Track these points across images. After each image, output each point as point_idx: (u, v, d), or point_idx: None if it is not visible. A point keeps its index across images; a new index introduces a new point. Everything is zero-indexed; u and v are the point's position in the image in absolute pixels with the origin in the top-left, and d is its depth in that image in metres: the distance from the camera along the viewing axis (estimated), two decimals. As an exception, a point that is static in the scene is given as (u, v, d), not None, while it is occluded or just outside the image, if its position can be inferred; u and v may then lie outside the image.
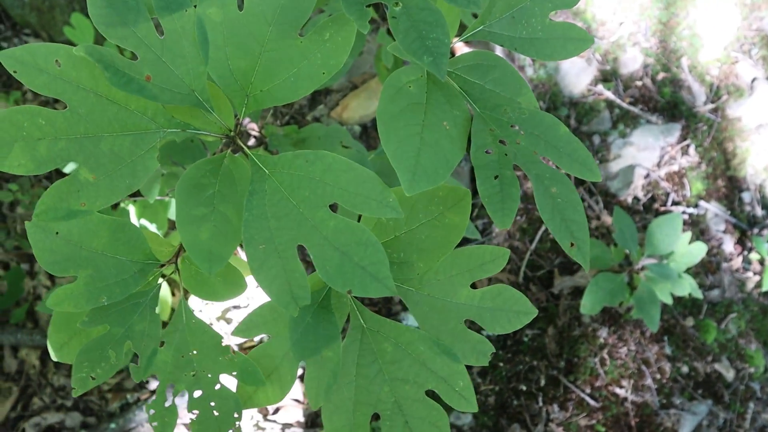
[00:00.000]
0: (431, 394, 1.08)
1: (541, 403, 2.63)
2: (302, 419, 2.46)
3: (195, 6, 1.00)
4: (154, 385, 2.43)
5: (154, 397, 1.03)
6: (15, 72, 0.94)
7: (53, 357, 1.09)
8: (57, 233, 0.96)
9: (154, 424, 1.01)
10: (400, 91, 1.03)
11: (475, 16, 2.73)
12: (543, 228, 2.80)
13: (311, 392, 1.02)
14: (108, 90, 0.97)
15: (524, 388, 2.65)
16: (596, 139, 2.90)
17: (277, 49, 1.01)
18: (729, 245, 2.84)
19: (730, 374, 2.73)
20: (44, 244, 0.95)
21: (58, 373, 2.43)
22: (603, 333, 2.69)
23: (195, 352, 1.03)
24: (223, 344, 1.02)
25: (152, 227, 2.19)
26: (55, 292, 0.95)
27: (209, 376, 1.02)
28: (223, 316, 2.53)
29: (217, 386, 1.02)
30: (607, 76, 2.98)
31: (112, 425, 2.34)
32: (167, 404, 1.02)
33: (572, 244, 1.02)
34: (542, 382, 2.65)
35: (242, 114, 1.06)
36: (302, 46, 1.01)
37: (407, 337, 1.07)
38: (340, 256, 0.94)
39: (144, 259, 1.01)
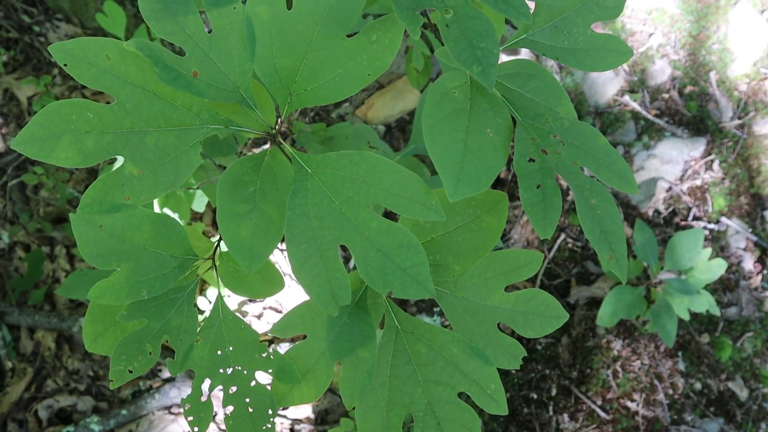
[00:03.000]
0: (463, 396, 1.08)
1: (551, 413, 2.63)
2: (312, 416, 2.46)
3: (243, 2, 1.01)
4: (166, 373, 2.44)
5: (189, 392, 1.04)
6: (65, 65, 0.94)
7: (87, 348, 1.10)
8: (101, 226, 0.97)
9: (190, 418, 1.02)
10: (445, 97, 1.03)
11: (513, 26, 2.72)
12: (561, 237, 2.79)
13: (346, 392, 1.02)
14: (155, 85, 0.98)
15: (535, 396, 2.64)
16: (620, 150, 2.89)
17: (323, 48, 1.01)
18: (749, 263, 2.82)
19: (743, 393, 2.72)
20: (88, 237, 0.96)
21: (72, 356, 2.45)
22: (617, 345, 2.69)
23: (231, 348, 1.04)
24: (259, 343, 1.02)
25: (175, 216, 2.20)
26: (96, 285, 0.96)
27: (245, 372, 1.03)
28: (239, 308, 2.54)
29: (253, 383, 1.03)
30: (634, 87, 2.97)
31: (123, 411, 2.35)
32: (203, 399, 1.03)
33: (611, 257, 1.03)
34: (553, 392, 2.64)
35: (285, 112, 1.06)
36: (349, 47, 1.01)
37: (441, 339, 1.08)
38: (382, 258, 0.94)
39: (184, 254, 1.02)
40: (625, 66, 3.00)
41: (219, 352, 1.03)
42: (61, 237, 2.52)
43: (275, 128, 1.08)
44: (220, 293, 1.07)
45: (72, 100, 0.94)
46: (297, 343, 1.05)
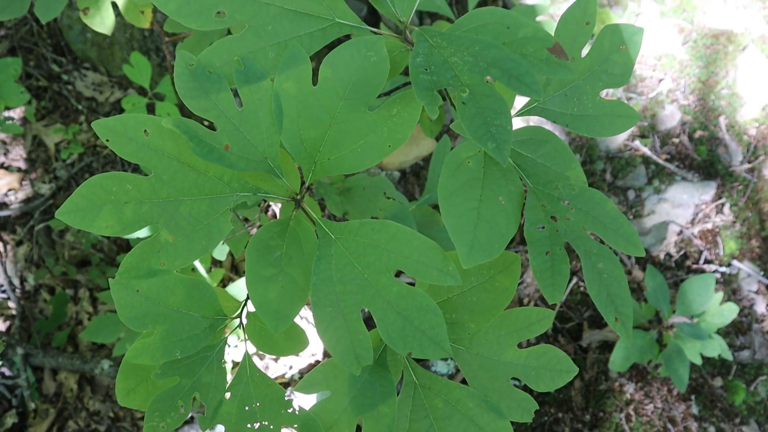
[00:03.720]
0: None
1: (566, 455, 2.65)
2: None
3: (272, 79, 1.08)
4: (188, 416, 2.49)
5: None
6: (108, 141, 1.01)
7: (120, 402, 1.15)
8: (138, 290, 1.03)
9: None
10: (461, 167, 1.09)
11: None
12: (574, 280, 2.83)
13: (366, 448, 1.07)
14: (189, 158, 1.05)
15: (550, 438, 2.67)
16: (631, 194, 2.94)
17: (346, 121, 1.08)
18: (761, 306, 2.85)
19: (757, 435, 2.73)
20: (126, 301, 1.02)
21: (93, 397, 2.50)
22: (630, 389, 2.71)
23: (258, 404, 1.09)
24: (285, 400, 1.08)
25: (202, 269, 2.27)
26: (133, 346, 1.02)
27: (271, 428, 1.08)
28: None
29: (276, 438, 1.08)
30: (644, 132, 3.03)
31: (146, 454, 2.39)
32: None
33: (616, 319, 1.08)
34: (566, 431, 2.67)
35: (309, 179, 1.13)
36: (370, 120, 1.08)
37: (457, 394, 1.13)
38: (402, 320, 1.00)
39: (214, 314, 1.08)
40: (635, 111, 3.06)
41: (246, 408, 1.09)
42: (84, 280, 2.60)
43: (300, 194, 1.14)
44: (247, 351, 1.12)
45: (112, 173, 1.01)
46: (321, 400, 1.10)
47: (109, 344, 2.54)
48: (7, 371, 2.48)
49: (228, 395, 1.09)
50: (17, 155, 2.78)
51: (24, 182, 2.74)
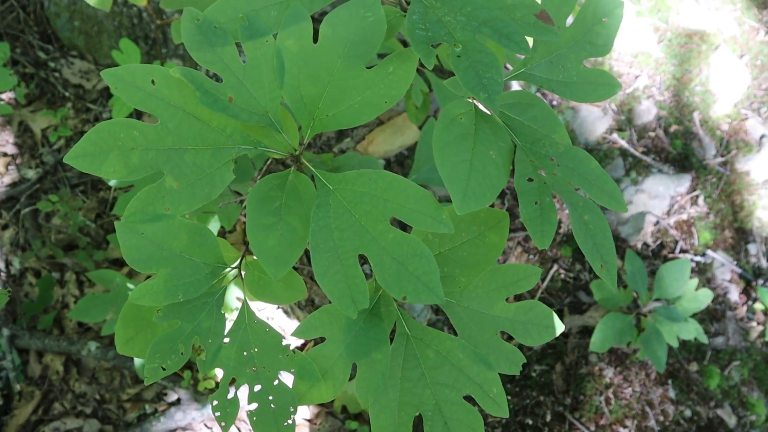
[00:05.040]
0: (468, 399, 1.17)
1: (546, 438, 2.70)
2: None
3: (274, 36, 1.12)
4: (172, 397, 2.51)
5: (217, 389, 1.12)
6: (116, 88, 1.05)
7: (118, 350, 1.18)
8: (142, 234, 1.06)
9: (217, 414, 1.10)
10: (453, 122, 1.14)
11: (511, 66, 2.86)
12: (554, 267, 2.89)
13: (361, 392, 1.11)
14: (195, 108, 1.09)
15: (530, 422, 2.72)
16: (609, 185, 3.02)
17: (344, 78, 1.13)
18: (734, 294, 2.93)
19: (732, 421, 2.80)
20: (131, 243, 1.05)
21: (79, 380, 2.51)
22: (609, 373, 2.77)
23: (256, 349, 1.12)
24: (282, 344, 1.11)
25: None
26: (137, 288, 1.05)
27: (269, 372, 1.12)
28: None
29: (276, 382, 1.11)
30: (621, 126, 3.11)
31: (131, 435, 2.41)
32: (229, 396, 1.11)
33: (602, 266, 1.13)
34: (548, 418, 2.72)
35: (307, 135, 1.17)
36: (367, 77, 1.13)
37: (447, 345, 1.17)
38: (397, 266, 1.04)
39: (215, 262, 1.12)
40: (613, 105, 3.14)
41: (245, 353, 1.12)
42: (71, 263, 2.61)
43: (298, 150, 1.18)
44: (245, 299, 1.16)
45: (120, 119, 1.05)
46: (317, 345, 1.14)
47: (95, 327, 2.55)
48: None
49: (227, 341, 1.13)
50: (3, 140, 2.79)
51: (10, 167, 2.75)
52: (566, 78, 1.31)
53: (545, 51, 1.30)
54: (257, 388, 1.12)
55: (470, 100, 1.21)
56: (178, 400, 2.49)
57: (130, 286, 2.26)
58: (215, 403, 1.11)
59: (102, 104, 2.86)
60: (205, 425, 2.47)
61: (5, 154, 2.77)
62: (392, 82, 1.13)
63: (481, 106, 1.20)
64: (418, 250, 1.06)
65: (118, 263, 2.61)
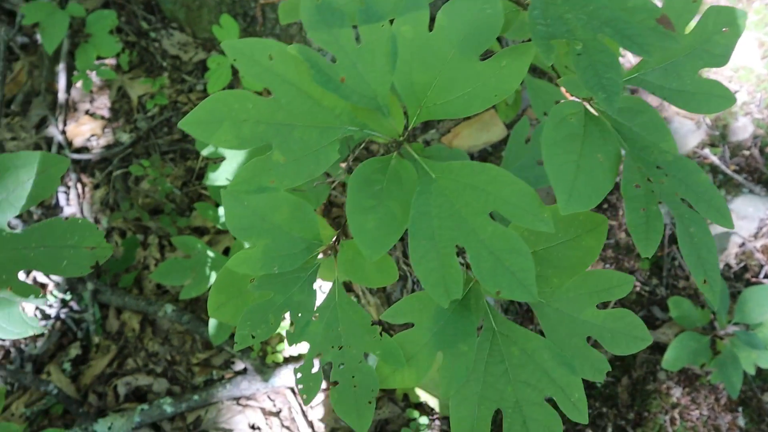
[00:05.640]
0: (549, 401, 1.16)
1: (605, 452, 2.65)
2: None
3: (391, 21, 1.13)
4: (239, 366, 2.56)
5: (302, 363, 1.14)
6: (235, 60, 1.08)
7: (210, 314, 1.22)
8: (246, 204, 1.09)
9: (301, 386, 1.12)
10: (563, 121, 1.13)
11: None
12: (630, 280, 2.83)
13: (444, 381, 1.11)
14: (307, 86, 1.10)
15: (590, 433, 2.67)
16: (695, 201, 2.93)
17: (456, 68, 1.12)
18: (819, 326, 2.81)
19: (802, 456, 2.69)
20: (235, 212, 1.08)
21: (153, 339, 2.59)
22: (677, 392, 2.70)
23: (343, 328, 1.14)
24: (371, 325, 1.13)
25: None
26: (236, 255, 1.08)
27: (354, 351, 1.13)
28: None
29: (360, 362, 1.13)
30: (714, 141, 3.01)
31: (195, 397, 2.47)
32: (314, 371, 1.13)
33: (705, 281, 1.10)
34: (609, 430, 2.67)
35: (413, 122, 1.17)
36: (479, 69, 1.12)
37: (534, 344, 1.16)
38: (494, 260, 1.04)
39: (312, 238, 1.13)
40: (707, 120, 3.04)
41: (332, 330, 1.14)
42: (155, 227, 2.69)
43: (402, 136, 1.19)
44: (337, 278, 1.17)
45: (236, 90, 1.07)
46: (403, 331, 1.14)
47: (172, 290, 2.63)
48: (75, 305, 2.58)
49: (316, 316, 1.14)
50: (102, 104, 2.89)
51: (106, 130, 2.85)
52: (680, 86, 1.27)
53: (661, 57, 1.27)
54: (341, 366, 1.13)
55: (580, 101, 1.19)
56: (245, 370, 2.54)
57: (210, 254, 2.32)
58: (299, 375, 1.13)
59: (197, 76, 2.93)
60: (268, 397, 2.52)
61: (102, 117, 2.87)
62: (504, 76, 1.12)
63: (590, 108, 1.18)
64: (516, 246, 1.05)
65: (199, 231, 2.68)
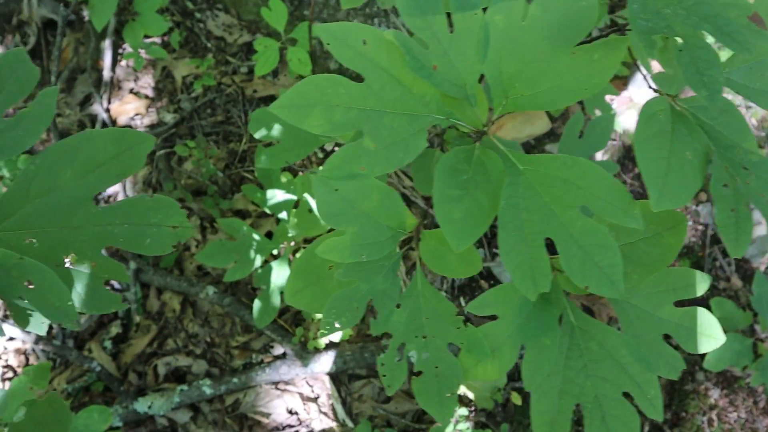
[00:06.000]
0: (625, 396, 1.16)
1: (639, 449, 2.64)
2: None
3: (484, 9, 1.12)
4: (278, 350, 2.57)
5: (386, 352, 1.14)
6: (328, 44, 1.07)
7: (287, 300, 1.22)
8: (336, 190, 1.08)
9: (384, 375, 1.12)
10: (653, 117, 1.12)
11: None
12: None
13: (527, 374, 1.11)
14: (399, 72, 1.10)
15: (624, 431, 2.67)
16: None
17: (546, 60, 1.11)
18: None
19: (836, 462, 2.68)
20: (325, 198, 1.08)
21: (193, 321, 2.60)
22: (715, 394, 2.69)
23: (427, 318, 1.14)
24: (455, 316, 1.12)
25: (313, 202, 2.34)
26: (325, 242, 1.08)
27: (438, 341, 1.13)
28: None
29: (444, 352, 1.12)
30: (761, 143, 2.98)
31: (235, 380, 2.48)
32: (397, 360, 1.13)
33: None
34: (646, 428, 2.66)
35: (497, 112, 1.16)
36: (570, 62, 1.11)
37: (612, 340, 1.16)
38: (583, 254, 1.03)
39: (398, 227, 1.13)
40: (753, 120, 3.02)
41: (415, 320, 1.14)
42: (197, 209, 2.69)
43: (486, 126, 1.18)
44: (419, 267, 1.17)
45: (329, 75, 1.07)
46: (489, 323, 1.14)
47: (213, 273, 2.64)
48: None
49: (399, 305, 1.14)
50: (146, 83, 2.90)
51: (150, 109, 2.85)
52: (764, 87, 1.26)
53: (745, 57, 1.26)
54: (425, 356, 1.13)
55: (666, 97, 1.18)
56: (284, 355, 2.55)
57: (256, 236, 2.32)
58: (382, 365, 1.13)
59: (241, 59, 2.93)
60: (307, 383, 2.53)
61: (146, 96, 2.88)
62: (595, 70, 1.11)
63: (676, 105, 1.17)
64: (605, 242, 1.04)
65: (241, 214, 2.68)
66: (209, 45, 2.94)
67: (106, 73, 2.86)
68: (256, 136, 2.21)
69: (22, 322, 1.12)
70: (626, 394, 1.17)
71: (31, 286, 1.04)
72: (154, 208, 1.13)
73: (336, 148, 1.83)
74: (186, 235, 1.15)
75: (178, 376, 2.55)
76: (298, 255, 2.42)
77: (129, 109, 2.84)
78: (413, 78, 1.10)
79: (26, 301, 1.05)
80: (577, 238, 1.04)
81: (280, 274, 2.32)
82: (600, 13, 1.34)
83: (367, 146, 1.08)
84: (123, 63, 2.89)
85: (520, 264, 1.05)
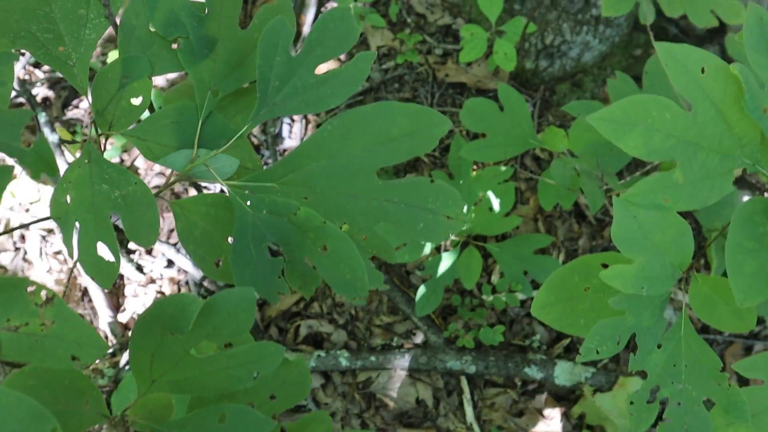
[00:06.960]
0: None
1: None
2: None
3: None
4: (419, 338, 2.55)
5: (637, 390, 1.08)
6: (666, 64, 1.01)
7: (533, 312, 1.17)
8: (635, 217, 1.03)
9: (632, 414, 1.07)
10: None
11: None
12: None
13: None
14: (728, 109, 1.03)
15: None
16: None
17: None
18: None
19: None
20: (623, 221, 1.03)
21: (340, 292, 2.61)
22: None
23: (686, 366, 1.07)
24: (720, 371, 1.05)
25: (495, 201, 2.30)
26: (612, 268, 1.02)
27: (693, 393, 1.06)
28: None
29: (698, 406, 1.06)
30: None
31: (372, 358, 2.48)
32: (648, 401, 1.07)
33: None
34: None
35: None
36: None
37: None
38: None
39: (679, 265, 1.07)
40: None
41: (674, 365, 1.08)
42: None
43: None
44: (684, 310, 1.11)
45: (657, 96, 1.01)
46: (753, 386, 1.07)
47: (371, 247, 2.64)
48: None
49: (660, 346, 1.08)
50: (339, 47, 2.91)
51: (339, 73, 2.86)
52: None
53: None
54: (677, 405, 1.07)
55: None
56: (424, 344, 2.53)
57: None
58: (632, 403, 1.08)
59: (438, 39, 2.90)
60: (442, 378, 2.50)
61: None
62: None
63: None
64: None
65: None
66: (409, 20, 2.92)
67: (306, 29, 2.88)
68: (465, 125, 2.18)
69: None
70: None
71: (324, 252, 1.03)
72: (434, 194, 1.10)
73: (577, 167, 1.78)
74: (457, 228, 1.12)
75: (316, 341, 2.57)
76: (466, 251, 2.38)
77: (321, 69, 2.86)
78: (739, 117, 1.03)
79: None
80: None
81: (446, 266, 2.30)
82: None
83: (676, 179, 1.03)
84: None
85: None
